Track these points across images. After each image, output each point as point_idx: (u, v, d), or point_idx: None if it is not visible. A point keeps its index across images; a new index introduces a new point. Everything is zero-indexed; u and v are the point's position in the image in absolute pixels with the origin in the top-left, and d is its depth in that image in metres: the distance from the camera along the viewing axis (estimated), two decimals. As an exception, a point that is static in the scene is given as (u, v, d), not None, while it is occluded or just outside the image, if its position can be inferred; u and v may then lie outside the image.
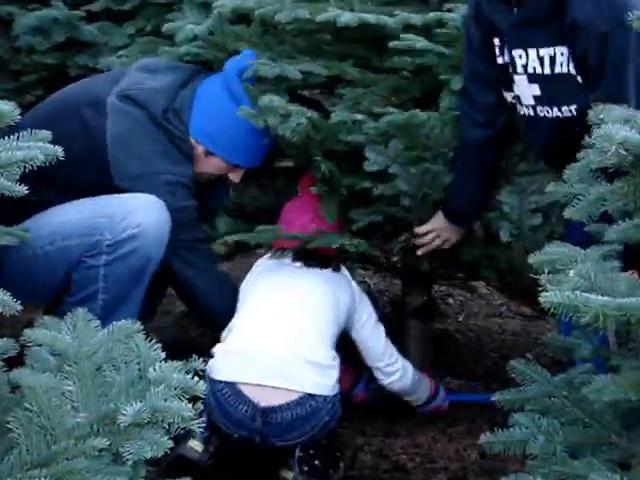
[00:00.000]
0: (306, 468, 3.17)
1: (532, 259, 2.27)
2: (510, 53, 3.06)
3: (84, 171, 3.36)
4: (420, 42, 3.26)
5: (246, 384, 3.09)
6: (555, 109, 3.01)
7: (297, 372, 3.13)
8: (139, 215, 3.27)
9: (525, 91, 3.06)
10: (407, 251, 3.58)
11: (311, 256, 3.37)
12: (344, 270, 3.45)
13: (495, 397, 2.43)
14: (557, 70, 2.97)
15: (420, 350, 3.83)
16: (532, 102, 3.05)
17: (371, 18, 3.29)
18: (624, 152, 1.99)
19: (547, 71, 2.98)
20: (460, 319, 4.60)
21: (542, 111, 3.04)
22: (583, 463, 2.16)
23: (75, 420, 1.88)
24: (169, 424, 1.85)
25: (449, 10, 3.41)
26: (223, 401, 3.05)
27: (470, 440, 3.45)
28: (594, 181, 2.21)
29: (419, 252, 3.46)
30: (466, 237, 3.46)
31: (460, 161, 3.31)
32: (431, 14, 3.38)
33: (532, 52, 3.00)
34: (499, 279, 3.67)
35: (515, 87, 3.09)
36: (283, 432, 3.10)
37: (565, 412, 2.30)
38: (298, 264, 3.39)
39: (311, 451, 3.19)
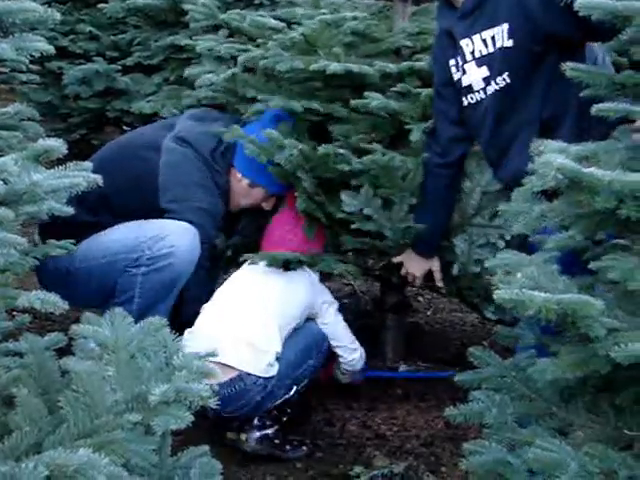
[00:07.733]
0: (258, 434, 3.17)
1: (487, 263, 2.27)
2: (460, 47, 3.04)
3: (136, 197, 3.36)
4: (375, 100, 3.27)
5: None
6: (499, 79, 2.98)
7: (235, 350, 3.06)
8: (174, 237, 3.26)
9: (475, 77, 3.03)
10: (386, 266, 3.55)
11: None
12: (305, 268, 3.35)
13: (457, 377, 2.42)
14: (497, 45, 2.95)
15: (396, 339, 3.84)
16: (482, 85, 3.03)
17: (354, 67, 3.30)
18: (560, 176, 1.99)
19: (490, 50, 2.98)
20: (428, 314, 4.59)
21: (490, 89, 3.01)
22: (529, 431, 2.16)
23: (113, 399, 1.87)
24: (190, 402, 1.84)
25: (418, 60, 3.43)
26: None
27: (437, 413, 3.45)
28: (536, 200, 2.21)
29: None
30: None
31: (421, 191, 3.28)
32: (404, 63, 3.40)
33: (476, 37, 2.99)
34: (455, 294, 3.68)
35: (467, 79, 3.06)
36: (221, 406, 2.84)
37: (514, 389, 2.29)
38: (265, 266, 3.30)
39: (267, 422, 3.18)
